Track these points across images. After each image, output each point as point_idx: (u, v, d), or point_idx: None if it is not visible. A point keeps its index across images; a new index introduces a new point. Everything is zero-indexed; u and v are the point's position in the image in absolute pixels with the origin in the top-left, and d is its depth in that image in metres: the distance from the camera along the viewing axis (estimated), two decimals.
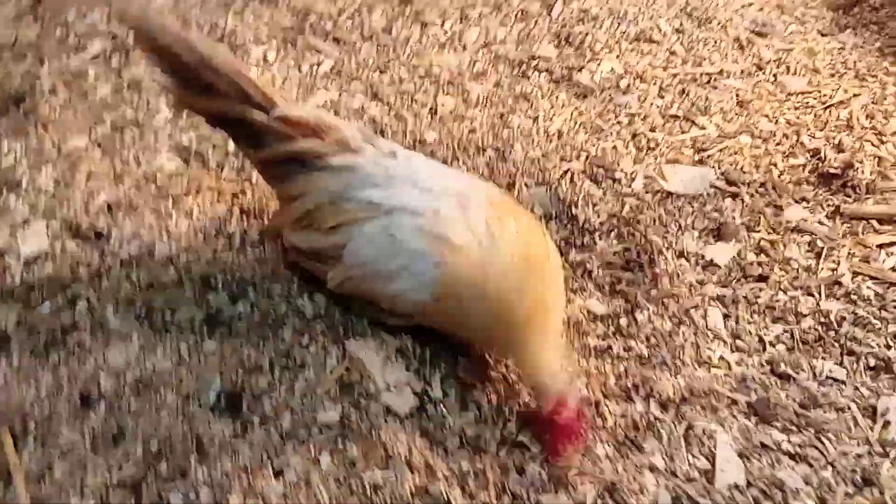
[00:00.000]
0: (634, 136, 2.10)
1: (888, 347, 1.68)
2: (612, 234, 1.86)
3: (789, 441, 1.53)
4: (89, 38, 2.38)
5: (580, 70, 2.24)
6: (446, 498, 1.42)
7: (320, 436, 1.49)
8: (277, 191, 1.72)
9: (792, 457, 1.51)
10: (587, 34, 2.34)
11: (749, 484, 1.47)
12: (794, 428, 1.55)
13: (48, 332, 1.66)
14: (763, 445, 1.52)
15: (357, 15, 2.42)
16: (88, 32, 2.39)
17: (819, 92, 2.24)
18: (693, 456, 1.50)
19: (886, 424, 1.57)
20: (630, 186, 1.97)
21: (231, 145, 2.03)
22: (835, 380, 1.63)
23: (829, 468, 1.50)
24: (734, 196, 1.97)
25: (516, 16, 2.41)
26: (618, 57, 2.29)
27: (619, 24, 2.39)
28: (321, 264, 1.65)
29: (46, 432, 1.51)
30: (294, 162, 1.63)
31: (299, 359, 1.61)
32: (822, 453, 1.53)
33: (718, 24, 2.40)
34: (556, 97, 2.18)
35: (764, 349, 1.69)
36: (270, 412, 1.51)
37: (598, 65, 2.26)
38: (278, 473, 1.44)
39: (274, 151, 1.63)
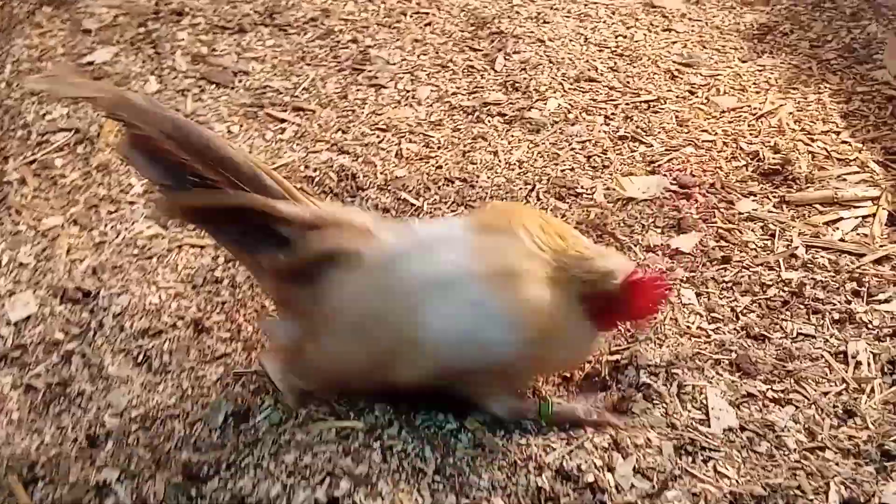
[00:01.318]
0: (589, 157, 2.42)
1: (848, 302, 1.95)
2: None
3: (773, 389, 1.76)
4: (51, 133, 2.64)
5: (530, 109, 2.59)
6: None
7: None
8: (299, 307, 1.60)
9: (777, 402, 1.74)
10: (531, 79, 2.70)
11: (742, 428, 1.68)
12: (775, 378, 1.79)
13: (46, 387, 1.82)
14: (749, 395, 1.75)
15: (312, 87, 2.75)
16: (49, 129, 2.66)
17: (749, 106, 2.63)
18: (687, 410, 1.71)
19: (858, 364, 1.82)
20: (592, 199, 2.27)
21: None
22: (806, 335, 1.89)
23: (813, 407, 1.73)
24: (688, 197, 2.29)
25: (463, 72, 2.78)
26: (562, 96, 2.65)
27: (558, 69, 2.77)
28: (381, 373, 1.56)
29: (56, 474, 1.64)
30: (317, 265, 1.56)
31: None
32: (804, 396, 1.76)
33: (649, 59, 2.81)
34: (512, 134, 2.50)
35: (737, 318, 1.94)
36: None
37: (546, 104, 2.61)
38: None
39: (302, 253, 1.55)
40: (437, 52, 2.87)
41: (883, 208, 2.24)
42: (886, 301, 1.96)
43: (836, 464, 1.63)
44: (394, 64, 2.82)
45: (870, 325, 1.91)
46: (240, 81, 2.80)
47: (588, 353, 1.79)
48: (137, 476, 1.60)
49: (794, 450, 1.66)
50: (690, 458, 1.64)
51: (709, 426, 1.67)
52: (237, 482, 1.54)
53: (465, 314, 1.51)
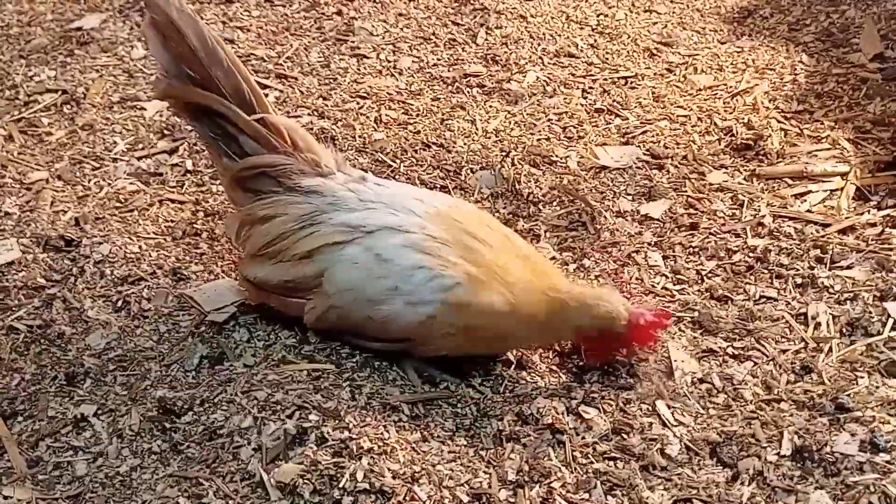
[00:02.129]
0: (564, 128, 2.49)
1: (812, 268, 2.04)
2: (555, 203, 2.22)
3: (733, 346, 1.85)
4: (39, 94, 2.69)
5: (509, 81, 2.66)
6: None
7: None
8: (243, 214, 1.82)
9: (736, 357, 1.83)
10: (511, 53, 2.78)
11: (702, 380, 1.77)
12: (736, 337, 1.88)
13: (27, 328, 1.88)
14: (711, 350, 1.84)
15: (296, 56, 2.81)
16: (37, 90, 2.71)
17: (725, 85, 2.71)
18: (650, 362, 1.79)
19: (818, 325, 1.90)
20: (566, 166, 2.35)
21: (189, 164, 2.35)
22: (768, 298, 1.98)
23: (771, 363, 1.82)
24: (660, 167, 2.36)
25: (444, 45, 2.85)
26: (541, 70, 2.73)
27: (538, 44, 2.84)
28: (293, 298, 1.72)
29: (35, 409, 1.70)
30: (264, 177, 1.76)
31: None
32: (763, 353, 1.85)
33: (628, 38, 2.88)
34: (490, 105, 2.58)
35: (702, 280, 2.02)
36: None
37: (525, 76, 2.69)
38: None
39: (248, 161, 1.78)
40: (420, 26, 2.93)
41: (851, 183, 2.33)
42: (848, 268, 2.04)
43: (791, 415, 1.71)
44: (377, 35, 2.89)
45: (831, 290, 1.99)
46: None
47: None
48: (114, 411, 1.68)
49: (751, 401, 1.75)
50: (649, 406, 1.72)
51: (672, 376, 1.75)
52: (210, 416, 1.61)
53: (368, 264, 1.64)
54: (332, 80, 2.70)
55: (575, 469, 1.60)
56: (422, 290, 1.61)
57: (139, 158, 2.39)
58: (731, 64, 2.80)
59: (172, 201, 2.22)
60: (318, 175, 1.75)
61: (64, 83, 2.71)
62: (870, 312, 1.90)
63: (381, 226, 1.65)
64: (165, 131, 2.48)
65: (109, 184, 2.28)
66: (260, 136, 1.78)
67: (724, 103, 2.62)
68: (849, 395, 1.74)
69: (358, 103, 2.59)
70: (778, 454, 1.64)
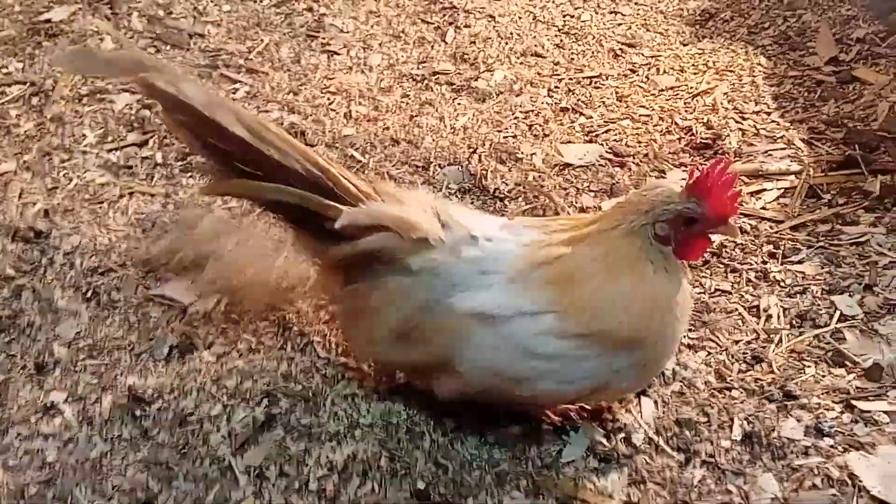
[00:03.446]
0: (531, 126, 2.56)
1: (764, 263, 2.13)
2: (520, 199, 2.29)
3: (687, 336, 1.93)
4: (6, 86, 2.70)
5: (477, 79, 2.73)
6: None
7: None
8: (351, 298, 1.67)
9: (690, 347, 1.91)
10: (480, 52, 2.84)
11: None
12: (691, 327, 1.95)
13: None
14: None
15: (266, 51, 2.84)
16: (5, 81, 2.71)
17: (686, 85, 2.79)
18: None
19: (769, 317, 1.99)
20: (532, 163, 2.42)
21: (159, 157, 2.38)
22: (723, 291, 2.06)
23: (724, 353, 1.90)
24: (622, 165, 2.44)
25: (414, 42, 2.90)
26: (509, 68, 2.80)
27: (506, 43, 2.91)
28: (423, 374, 1.67)
29: (4, 397, 1.73)
30: (367, 260, 1.61)
31: None
32: (717, 344, 1.93)
33: (593, 38, 2.96)
34: (458, 102, 2.64)
35: None
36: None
37: (492, 75, 2.75)
38: None
39: (355, 247, 1.59)
40: (390, 23, 2.99)
41: (805, 181, 2.42)
42: (799, 262, 2.14)
43: (742, 402, 1.80)
44: (347, 32, 2.93)
45: (782, 284, 2.08)
46: (195, 43, 2.89)
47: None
48: (84, 398, 1.71)
49: (703, 390, 1.83)
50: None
51: None
52: (180, 403, 1.65)
53: (507, 349, 1.56)
54: (302, 76, 2.75)
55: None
56: (571, 372, 1.59)
57: (109, 151, 2.41)
58: (693, 65, 2.89)
59: (142, 193, 2.25)
60: (425, 249, 1.61)
61: (32, 75, 2.72)
62: (818, 305, 1.99)
63: (515, 313, 1.58)
64: (135, 124, 2.49)
65: (79, 176, 2.30)
66: (360, 225, 1.60)
67: (684, 103, 2.71)
68: (796, 384, 1.83)
69: (328, 99, 2.64)
70: (729, 439, 1.74)
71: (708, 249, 1.77)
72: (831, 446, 1.69)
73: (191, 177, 2.32)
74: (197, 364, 1.76)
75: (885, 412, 1.75)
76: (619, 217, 1.59)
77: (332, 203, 1.61)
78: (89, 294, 1.95)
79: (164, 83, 1.62)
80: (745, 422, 1.75)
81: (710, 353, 1.90)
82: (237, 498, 1.51)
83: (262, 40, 2.90)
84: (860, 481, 1.62)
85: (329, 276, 1.72)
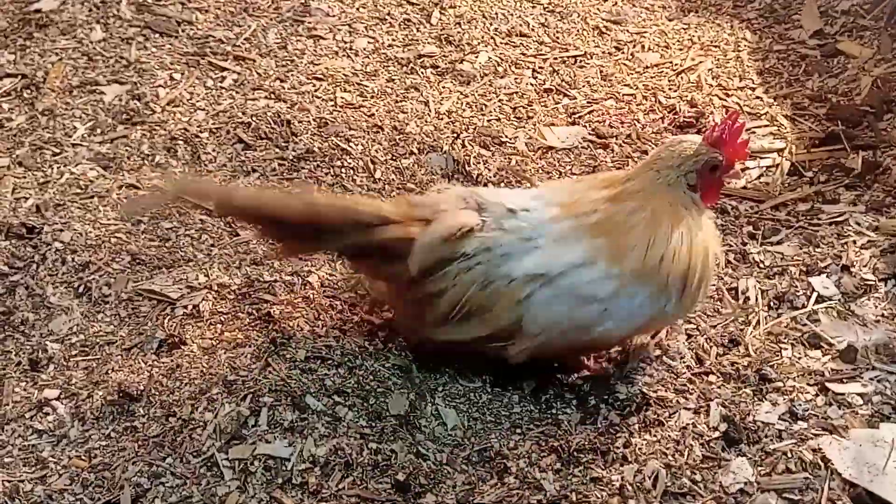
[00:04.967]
0: (514, 109, 2.54)
1: (744, 244, 2.11)
2: (503, 184, 2.27)
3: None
4: None
5: (462, 62, 2.69)
6: None
7: None
8: (413, 292, 1.78)
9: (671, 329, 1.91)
10: (464, 33, 2.80)
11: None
12: None
13: None
14: None
15: (253, 37, 2.81)
16: None
17: (671, 62, 2.75)
18: None
19: (746, 300, 1.98)
20: (514, 147, 2.40)
21: (147, 147, 2.36)
22: None
23: (703, 336, 1.90)
24: (605, 147, 2.42)
25: (399, 25, 2.86)
26: (493, 49, 2.75)
27: (491, 23, 2.86)
28: (491, 345, 1.78)
29: (0, 394, 1.75)
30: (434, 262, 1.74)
31: None
32: (696, 328, 1.93)
33: (578, 16, 2.90)
34: (443, 85, 2.61)
35: None
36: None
37: (477, 57, 2.71)
38: None
39: (412, 269, 1.72)
40: (375, 6, 2.93)
41: (787, 159, 2.40)
42: (779, 243, 2.13)
43: (719, 386, 1.80)
44: (333, 16, 2.89)
45: (761, 265, 2.07)
46: (183, 31, 2.85)
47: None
48: (76, 395, 1.73)
49: (683, 374, 1.83)
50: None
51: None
52: (168, 398, 1.67)
53: (567, 302, 1.71)
54: (288, 62, 2.71)
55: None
56: (627, 311, 1.72)
57: (99, 143, 2.41)
58: (678, 41, 2.84)
59: (132, 187, 2.25)
60: (474, 235, 1.74)
61: (23, 67, 2.70)
62: (796, 287, 1.98)
63: (566, 267, 1.72)
64: (125, 116, 2.50)
65: (70, 170, 2.30)
66: (399, 240, 1.75)
67: (668, 81, 2.67)
68: (772, 367, 1.83)
69: (314, 85, 2.61)
70: (706, 424, 1.74)
71: None
72: (804, 429, 1.68)
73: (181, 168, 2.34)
74: (185, 359, 1.77)
75: (859, 394, 1.75)
76: (653, 173, 1.76)
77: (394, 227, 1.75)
78: (81, 289, 1.96)
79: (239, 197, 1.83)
80: (721, 406, 1.75)
81: (691, 337, 1.90)
82: (222, 492, 1.53)
83: (249, 26, 2.86)
84: (832, 464, 1.62)
85: (393, 287, 1.87)
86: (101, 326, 1.88)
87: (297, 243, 1.80)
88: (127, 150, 2.38)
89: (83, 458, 1.62)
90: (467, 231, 1.75)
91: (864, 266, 1.99)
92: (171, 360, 1.77)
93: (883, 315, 1.89)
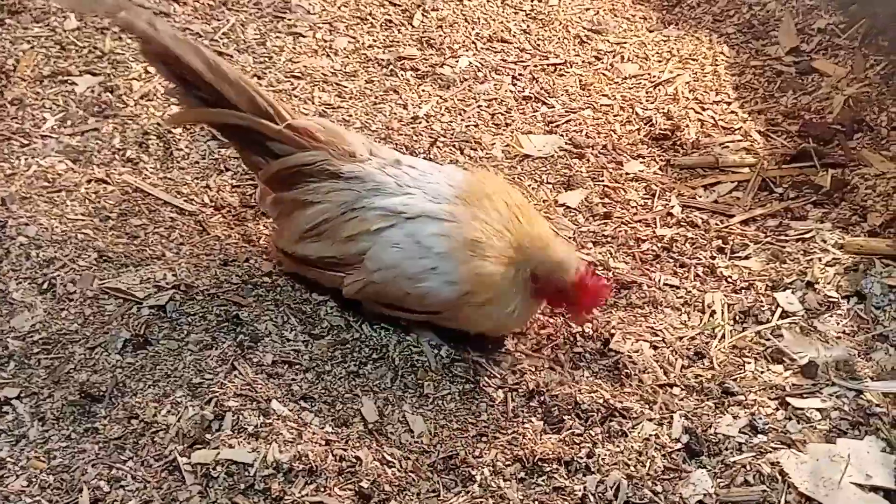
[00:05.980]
0: (493, 115, 2.55)
1: (713, 258, 2.14)
2: None
3: (636, 330, 1.95)
4: None
5: (442, 66, 2.70)
6: None
7: None
8: (280, 199, 1.93)
9: (639, 341, 1.93)
10: (446, 37, 2.81)
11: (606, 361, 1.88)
12: (640, 320, 1.97)
13: None
14: (611, 335, 1.94)
15: (232, 32, 2.80)
16: None
17: (649, 74, 2.78)
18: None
19: (713, 313, 2.01)
20: (490, 154, 2.41)
21: (118, 142, 2.35)
22: (671, 286, 2.08)
23: (669, 349, 1.92)
24: (581, 156, 2.44)
25: (381, 25, 2.86)
26: (474, 55, 2.77)
27: (473, 28, 2.87)
28: (333, 272, 1.88)
29: None
30: (300, 174, 1.87)
31: None
32: (662, 340, 1.95)
33: (560, 24, 2.93)
34: (423, 89, 2.61)
35: (608, 268, 2.11)
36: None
37: (458, 61, 2.72)
38: None
39: (284, 163, 1.87)
40: (357, 5, 2.94)
41: (759, 175, 2.43)
42: (746, 258, 2.16)
43: (682, 399, 1.83)
44: (314, 14, 2.89)
45: (729, 279, 2.10)
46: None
47: (519, 325, 1.96)
48: (37, 394, 1.71)
49: (648, 384, 1.85)
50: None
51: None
52: (131, 399, 1.66)
53: (408, 247, 1.78)
54: (267, 59, 2.70)
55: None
56: (455, 272, 1.77)
57: (69, 136, 2.38)
58: (657, 53, 2.87)
59: (101, 181, 2.23)
60: (354, 162, 1.86)
61: None
62: (761, 301, 2.01)
63: (420, 213, 1.80)
64: (97, 108, 2.47)
65: (38, 162, 2.27)
66: (290, 140, 1.87)
67: (646, 93, 2.70)
68: (735, 380, 1.86)
69: (292, 84, 2.60)
70: (668, 435, 1.77)
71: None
72: (764, 443, 1.72)
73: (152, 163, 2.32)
74: (150, 360, 1.76)
75: (818, 409, 1.78)
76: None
77: (273, 124, 1.88)
78: (45, 286, 1.94)
79: (142, 22, 1.90)
80: (684, 419, 1.78)
81: (657, 349, 1.92)
82: (183, 497, 1.53)
83: (228, 20, 2.85)
84: (789, 478, 1.65)
85: (269, 188, 1.99)
86: (64, 324, 1.85)
87: (197, 101, 1.88)
88: (97, 144, 2.36)
89: (42, 458, 1.61)
90: (350, 153, 1.85)
91: (828, 283, 2.02)
92: (136, 361, 1.75)
93: (844, 332, 1.93)
